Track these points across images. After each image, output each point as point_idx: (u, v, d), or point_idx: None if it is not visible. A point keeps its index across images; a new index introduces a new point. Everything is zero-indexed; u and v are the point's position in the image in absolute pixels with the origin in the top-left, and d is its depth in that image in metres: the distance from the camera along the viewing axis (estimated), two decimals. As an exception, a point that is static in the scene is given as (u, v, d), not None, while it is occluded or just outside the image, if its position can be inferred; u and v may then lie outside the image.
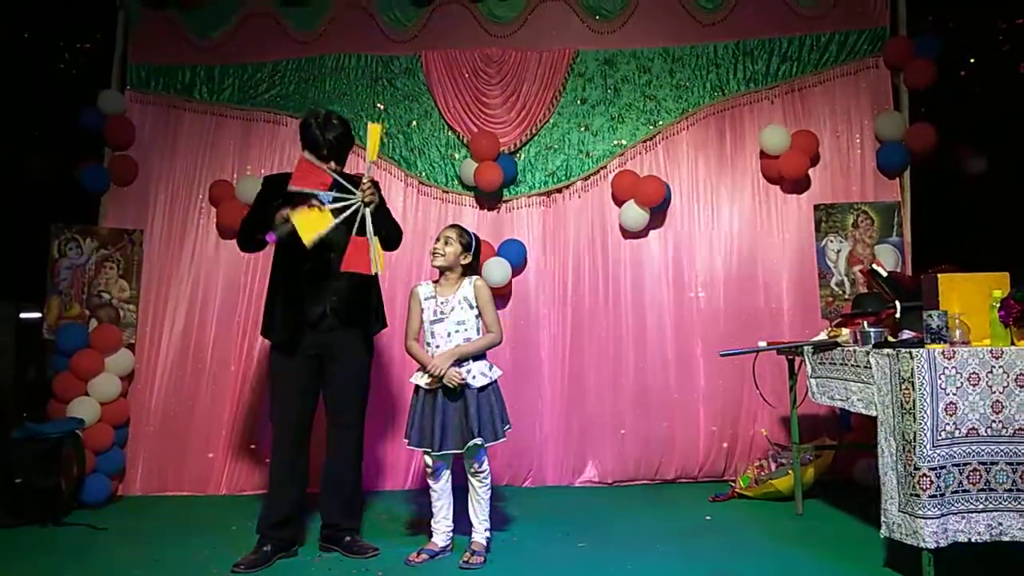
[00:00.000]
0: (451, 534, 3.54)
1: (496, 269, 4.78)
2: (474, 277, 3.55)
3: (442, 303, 3.49)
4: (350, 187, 3.33)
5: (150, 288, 5.06)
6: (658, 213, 5.00)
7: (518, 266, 4.97)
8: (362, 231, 3.29)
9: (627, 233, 5.07)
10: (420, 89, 5.22)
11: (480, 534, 3.48)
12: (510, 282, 4.95)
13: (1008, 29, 5.95)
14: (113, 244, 4.98)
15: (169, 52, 5.30)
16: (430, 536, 3.53)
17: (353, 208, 3.30)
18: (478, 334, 3.49)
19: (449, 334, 3.45)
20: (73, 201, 5.34)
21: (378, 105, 5.20)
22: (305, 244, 3.20)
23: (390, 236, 3.65)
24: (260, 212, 3.53)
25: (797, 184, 5.04)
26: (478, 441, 3.36)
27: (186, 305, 5.05)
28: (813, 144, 4.94)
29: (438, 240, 3.53)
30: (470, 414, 3.37)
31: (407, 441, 3.47)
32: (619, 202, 5.02)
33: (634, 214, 4.91)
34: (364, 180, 3.35)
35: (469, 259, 3.54)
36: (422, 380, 3.46)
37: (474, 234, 3.61)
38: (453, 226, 3.59)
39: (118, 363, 4.75)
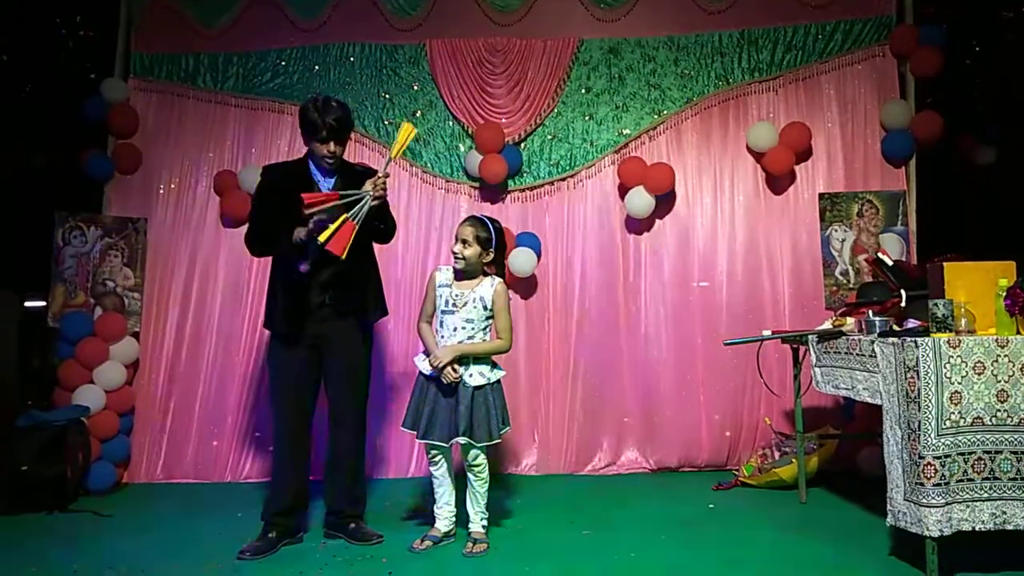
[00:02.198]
0: (454, 520, 3.56)
1: (521, 258, 4.77)
2: (497, 280, 3.50)
3: (457, 295, 3.46)
4: (356, 192, 3.34)
5: (154, 276, 5.06)
6: (663, 202, 4.99)
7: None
8: (355, 216, 3.29)
9: (632, 222, 5.06)
10: (425, 78, 5.21)
11: (477, 523, 3.49)
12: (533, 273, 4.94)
13: (1014, 17, 5.92)
14: (117, 232, 4.98)
15: (172, 40, 5.29)
16: (433, 522, 3.55)
17: (363, 202, 3.31)
18: (484, 335, 3.47)
19: (455, 328, 3.44)
20: (77, 190, 5.34)
21: (383, 95, 5.19)
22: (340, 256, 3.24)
23: (387, 231, 3.65)
24: (267, 219, 3.49)
25: (801, 173, 5.02)
26: (461, 440, 3.36)
27: (191, 293, 5.06)
28: (804, 138, 4.91)
29: (456, 241, 3.48)
30: (459, 411, 3.36)
31: (403, 423, 3.51)
32: (626, 188, 5.00)
33: (641, 200, 4.89)
34: (380, 174, 3.36)
35: (490, 257, 3.47)
36: (422, 365, 3.46)
37: (492, 224, 3.51)
38: (470, 221, 3.50)
39: (123, 351, 4.77)
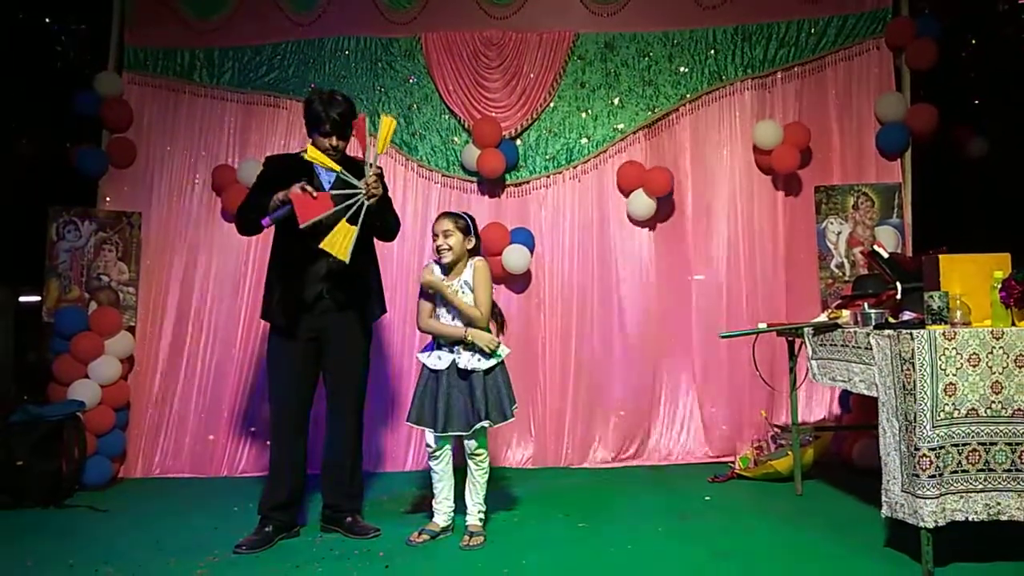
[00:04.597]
0: (452, 514, 3.56)
1: (515, 256, 4.79)
2: (476, 258, 3.54)
3: (447, 286, 3.49)
4: (354, 182, 3.33)
5: (150, 271, 5.05)
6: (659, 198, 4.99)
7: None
8: (353, 219, 3.28)
9: (631, 219, 5.06)
10: (420, 72, 5.19)
11: (475, 516, 3.50)
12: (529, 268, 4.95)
13: (1009, 9, 5.92)
14: (112, 227, 4.97)
15: (167, 35, 5.25)
16: (431, 516, 3.56)
17: (357, 203, 3.30)
18: None
19: (453, 317, 3.47)
20: (71, 184, 5.32)
21: (379, 88, 5.17)
22: (299, 225, 3.22)
23: (389, 228, 3.65)
24: (257, 198, 3.50)
25: (796, 166, 5.03)
26: (485, 424, 3.38)
27: (186, 288, 5.05)
28: (805, 137, 4.92)
29: (436, 236, 3.48)
30: (476, 396, 3.38)
31: (408, 418, 3.50)
32: (625, 192, 5.00)
33: (642, 203, 4.91)
34: (369, 173, 3.34)
35: (473, 242, 3.53)
36: (429, 360, 3.47)
37: (466, 215, 3.58)
38: (445, 216, 3.54)
39: (118, 346, 4.75)
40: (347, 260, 3.25)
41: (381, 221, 3.53)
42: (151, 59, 5.25)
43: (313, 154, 3.34)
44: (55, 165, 5.99)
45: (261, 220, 3.38)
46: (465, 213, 3.60)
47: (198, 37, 5.25)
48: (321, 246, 3.22)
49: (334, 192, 3.33)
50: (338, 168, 3.33)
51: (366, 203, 3.31)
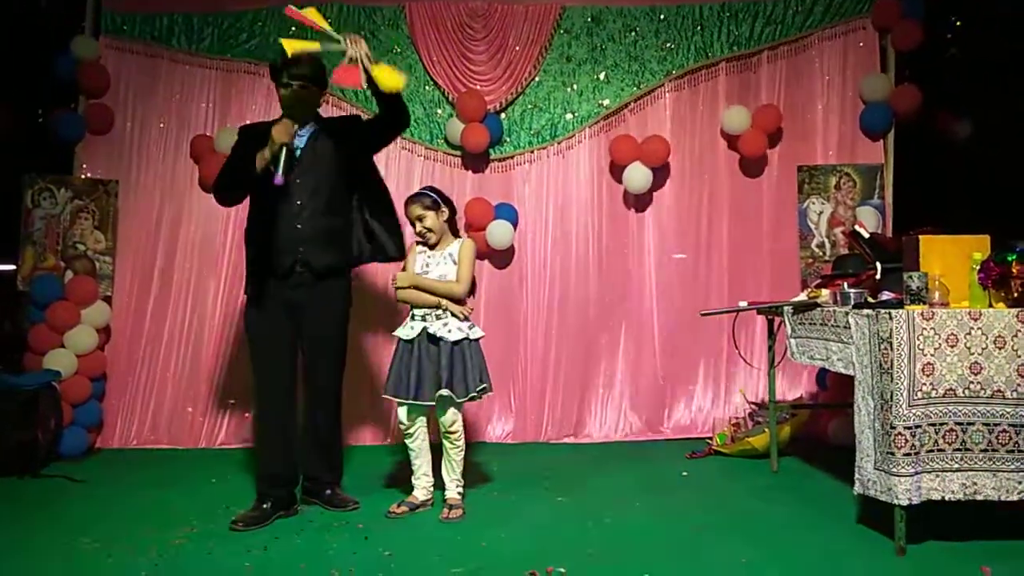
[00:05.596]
0: (431, 488, 3.58)
1: (498, 231, 4.79)
2: (465, 237, 3.61)
3: (430, 257, 3.54)
4: (335, 36, 3.40)
5: (127, 239, 4.97)
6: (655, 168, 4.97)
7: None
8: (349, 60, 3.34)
9: (610, 192, 5.06)
10: (404, 42, 5.12)
11: (453, 490, 3.52)
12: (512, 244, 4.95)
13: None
14: (88, 195, 4.88)
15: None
16: (411, 490, 3.56)
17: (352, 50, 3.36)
18: None
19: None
20: (45, 150, 5.22)
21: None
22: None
23: (400, 105, 3.56)
24: (239, 160, 3.45)
25: (780, 145, 5.04)
26: (444, 392, 3.37)
27: (163, 257, 4.98)
28: (774, 121, 4.93)
29: (413, 224, 3.52)
30: (442, 365, 3.39)
31: (384, 391, 3.51)
32: (620, 165, 4.96)
33: (640, 175, 4.88)
34: (339, 37, 3.37)
35: (447, 212, 3.55)
36: (402, 332, 3.46)
37: (429, 190, 3.59)
38: (411, 202, 3.54)
39: (94, 315, 4.69)
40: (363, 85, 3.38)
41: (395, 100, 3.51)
42: (128, 24, 5.12)
43: (291, 43, 3.35)
44: (30, 131, 5.87)
45: (274, 180, 3.26)
46: (427, 188, 3.62)
47: (177, 3, 5.11)
48: (384, 90, 3.34)
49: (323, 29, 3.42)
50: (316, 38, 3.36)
51: (351, 45, 3.38)
